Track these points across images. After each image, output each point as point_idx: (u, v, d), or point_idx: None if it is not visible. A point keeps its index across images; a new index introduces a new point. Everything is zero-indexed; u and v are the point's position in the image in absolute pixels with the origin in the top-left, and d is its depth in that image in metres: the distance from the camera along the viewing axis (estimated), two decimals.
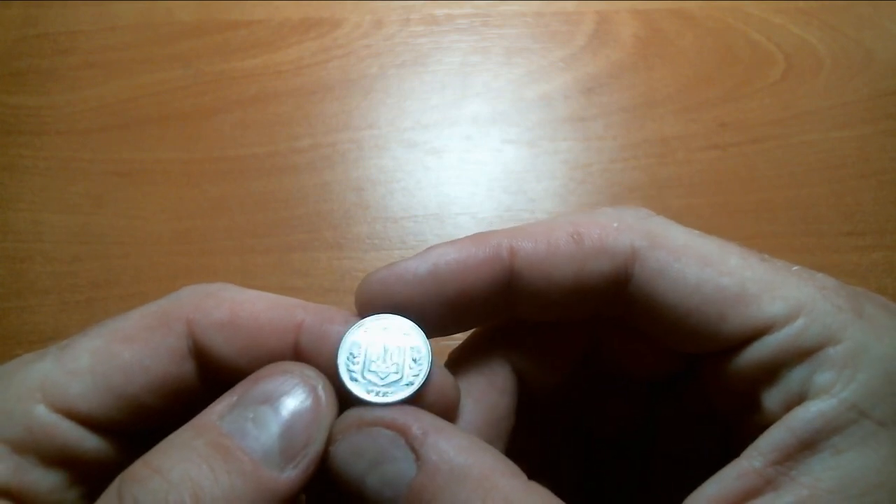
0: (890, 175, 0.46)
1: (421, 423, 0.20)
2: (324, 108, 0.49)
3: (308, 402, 0.20)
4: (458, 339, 0.25)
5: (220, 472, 0.18)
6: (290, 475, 0.19)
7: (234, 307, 0.22)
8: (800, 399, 0.19)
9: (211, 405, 0.20)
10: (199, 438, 0.19)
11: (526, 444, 0.24)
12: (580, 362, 0.25)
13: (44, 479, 0.20)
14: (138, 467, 0.18)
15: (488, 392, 0.23)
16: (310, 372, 0.21)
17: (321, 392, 0.20)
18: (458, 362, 0.24)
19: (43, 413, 0.20)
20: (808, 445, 0.18)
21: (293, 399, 0.20)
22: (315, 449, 0.20)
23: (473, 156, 0.48)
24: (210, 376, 0.22)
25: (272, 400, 0.20)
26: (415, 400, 0.21)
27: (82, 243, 0.45)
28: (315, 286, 0.43)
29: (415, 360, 0.21)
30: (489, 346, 0.24)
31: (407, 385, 0.21)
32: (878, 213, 0.45)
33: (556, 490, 0.19)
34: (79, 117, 0.49)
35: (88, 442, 0.21)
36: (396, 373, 0.21)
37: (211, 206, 0.46)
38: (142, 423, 0.21)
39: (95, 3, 0.53)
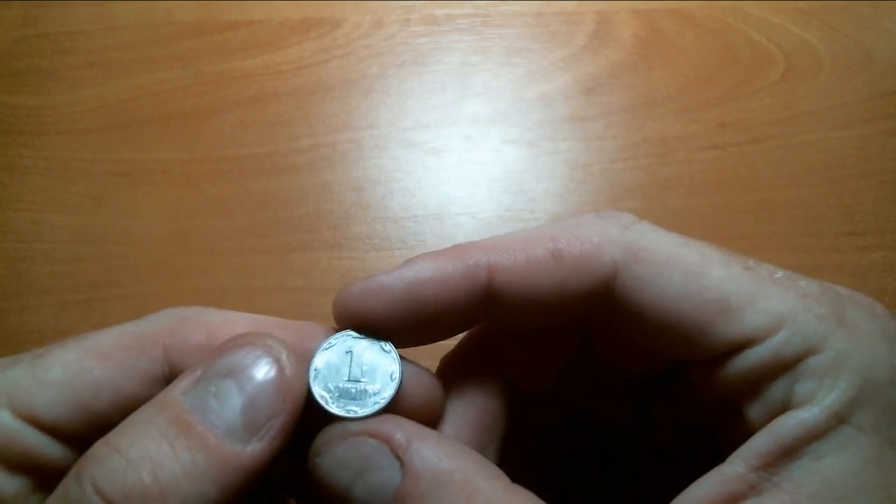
0: (890, 175, 0.46)
1: (404, 430, 0.20)
2: (324, 108, 0.49)
3: (272, 374, 0.20)
4: (452, 342, 0.25)
5: (181, 449, 0.18)
6: (254, 448, 0.19)
7: (211, 330, 0.21)
8: (781, 409, 0.19)
9: (175, 381, 0.20)
10: (160, 415, 0.19)
11: (518, 446, 0.24)
12: (569, 363, 0.25)
13: (7, 484, 0.20)
14: (98, 447, 0.18)
15: (478, 397, 0.23)
16: (273, 342, 0.20)
17: (285, 362, 0.20)
18: (447, 368, 0.24)
19: (7, 419, 0.20)
20: (789, 452, 0.19)
21: (256, 370, 0.20)
22: (280, 421, 0.19)
23: (473, 156, 0.48)
24: None
25: (235, 372, 0.19)
26: (398, 409, 0.21)
27: (82, 243, 0.45)
28: (315, 286, 0.43)
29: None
30: (478, 351, 0.24)
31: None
32: (878, 213, 0.45)
33: (548, 489, 0.19)
34: (79, 117, 0.49)
35: (52, 450, 0.20)
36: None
37: (211, 206, 0.46)
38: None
39: (95, 3, 0.53)
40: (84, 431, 0.21)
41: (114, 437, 0.19)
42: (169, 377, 0.21)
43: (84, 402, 0.20)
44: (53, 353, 0.21)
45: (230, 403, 0.19)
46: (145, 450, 0.18)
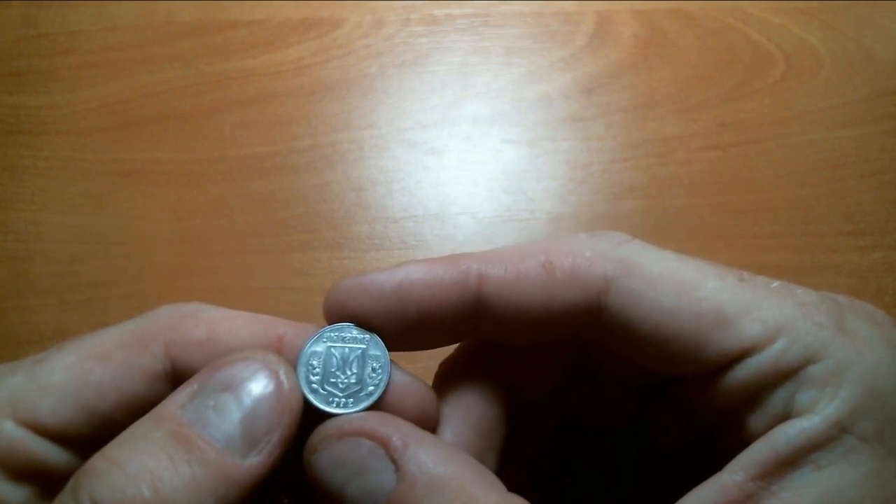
0: (890, 175, 0.46)
1: (401, 433, 0.20)
2: (324, 108, 0.49)
3: (270, 388, 0.20)
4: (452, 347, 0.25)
5: (181, 463, 0.18)
6: (253, 462, 0.19)
7: (212, 325, 0.22)
8: (782, 419, 0.19)
9: (171, 395, 0.20)
10: (159, 429, 0.19)
11: (518, 451, 0.24)
12: (569, 368, 0.25)
13: (11, 493, 0.20)
14: (96, 460, 0.18)
15: (477, 402, 0.23)
16: (271, 357, 0.20)
17: (283, 377, 0.20)
18: (446, 374, 0.24)
19: (11, 428, 0.20)
20: (789, 462, 0.18)
21: (255, 385, 0.20)
22: (279, 434, 0.19)
23: (473, 156, 0.48)
24: None
25: (233, 387, 0.19)
26: (379, 408, 0.21)
27: (82, 243, 0.45)
28: (315, 286, 0.43)
29: (374, 370, 0.21)
30: (477, 357, 0.24)
31: (367, 395, 0.21)
32: (878, 213, 0.45)
33: (548, 494, 0.19)
34: (79, 117, 0.49)
35: (58, 456, 0.20)
36: (357, 383, 0.21)
37: (211, 206, 0.46)
38: (112, 439, 0.21)
39: (95, 3, 0.53)
40: (90, 435, 0.21)
41: (112, 450, 0.18)
42: (171, 374, 0.21)
43: (87, 404, 0.20)
44: (53, 358, 0.21)
45: (229, 417, 0.19)
46: (144, 464, 0.18)
